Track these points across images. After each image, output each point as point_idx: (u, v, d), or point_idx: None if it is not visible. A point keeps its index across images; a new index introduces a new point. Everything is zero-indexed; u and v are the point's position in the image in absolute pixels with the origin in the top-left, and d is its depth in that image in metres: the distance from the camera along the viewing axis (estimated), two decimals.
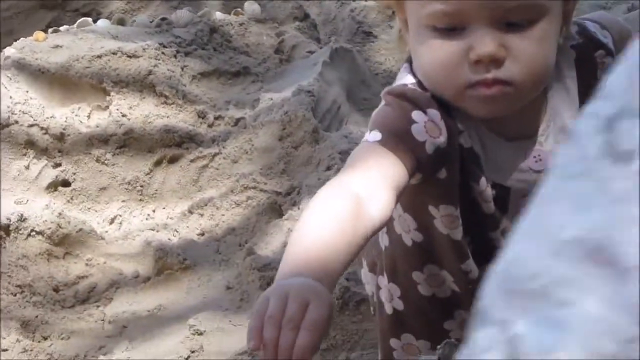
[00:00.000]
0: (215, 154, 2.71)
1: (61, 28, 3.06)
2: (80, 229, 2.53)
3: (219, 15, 3.35)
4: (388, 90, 1.32)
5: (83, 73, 2.83)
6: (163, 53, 2.97)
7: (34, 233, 2.48)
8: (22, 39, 2.94)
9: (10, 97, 2.68)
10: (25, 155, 2.67)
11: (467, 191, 1.32)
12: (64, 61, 2.83)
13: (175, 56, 3.00)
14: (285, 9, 3.46)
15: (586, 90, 1.32)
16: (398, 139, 1.24)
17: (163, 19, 3.22)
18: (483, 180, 1.31)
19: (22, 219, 2.48)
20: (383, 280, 1.47)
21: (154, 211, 2.68)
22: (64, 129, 2.73)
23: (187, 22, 3.20)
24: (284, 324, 1.02)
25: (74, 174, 2.70)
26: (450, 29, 1.22)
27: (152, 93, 2.85)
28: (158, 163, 2.75)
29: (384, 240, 1.44)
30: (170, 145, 2.77)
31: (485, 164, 1.31)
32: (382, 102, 1.31)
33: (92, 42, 2.93)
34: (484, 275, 1.30)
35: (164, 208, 2.69)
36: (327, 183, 1.28)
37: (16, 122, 2.67)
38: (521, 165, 1.31)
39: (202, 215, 2.59)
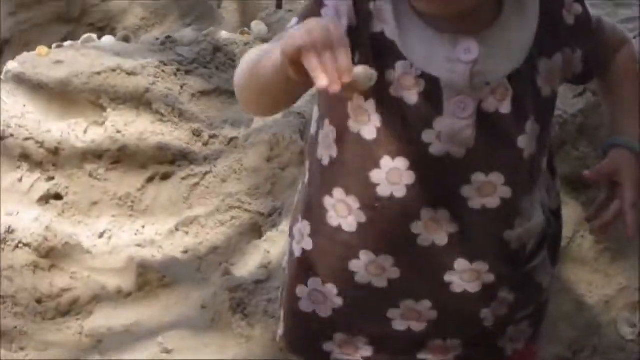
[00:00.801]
0: (207, 173, 2.74)
1: (65, 43, 3.12)
2: (67, 242, 2.57)
3: (224, 34, 3.38)
4: None
5: (82, 89, 2.88)
6: (163, 71, 3.00)
7: (21, 245, 2.53)
8: (25, 53, 3.00)
9: (7, 111, 2.73)
10: (19, 167, 2.72)
11: (383, 80, 1.26)
12: (64, 77, 2.89)
13: (175, 74, 3.04)
14: None
15: (548, 24, 1.31)
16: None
17: (168, 37, 3.26)
18: (400, 64, 1.26)
19: (10, 230, 2.53)
20: (297, 225, 1.43)
21: (143, 227, 2.71)
22: (59, 143, 2.78)
23: (192, 40, 3.24)
24: (322, 49, 1.07)
25: (67, 187, 2.75)
26: None
27: (149, 110, 2.89)
28: (150, 179, 2.79)
29: (303, 179, 1.43)
30: (163, 163, 2.80)
31: (406, 49, 1.27)
32: None
33: (93, 59, 2.98)
34: (400, 192, 1.27)
35: (153, 224, 2.72)
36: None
37: (12, 135, 2.73)
38: (449, 55, 1.26)
39: (187, 233, 2.62)
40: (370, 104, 1.28)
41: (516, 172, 1.31)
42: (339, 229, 1.35)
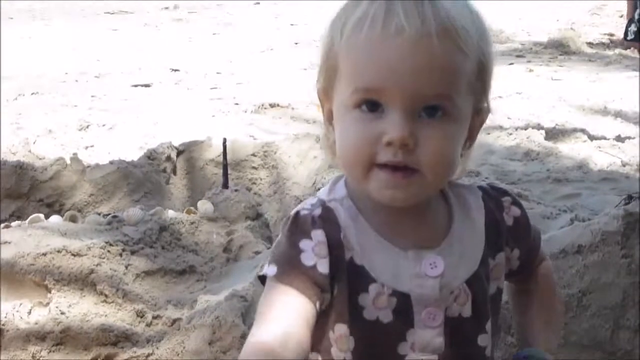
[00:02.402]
0: (149, 355, 2.75)
1: (13, 224, 3.16)
2: None
3: (171, 213, 3.46)
4: (286, 217, 1.39)
5: (27, 270, 2.91)
6: (108, 251, 3.05)
7: None
8: None
9: None
10: None
11: (357, 306, 1.34)
12: (10, 257, 2.92)
13: (120, 254, 3.09)
14: (238, 209, 3.56)
15: (492, 227, 1.40)
16: (291, 268, 1.32)
17: (114, 216, 3.33)
18: (373, 287, 1.33)
19: None
20: None
21: None
22: (3, 325, 2.79)
23: (138, 220, 3.30)
24: None
25: None
26: (371, 110, 1.28)
27: (93, 291, 2.92)
28: None
29: None
30: (106, 344, 2.81)
31: (375, 271, 1.33)
32: (280, 231, 1.39)
33: (40, 239, 3.03)
34: None
35: None
36: (246, 344, 1.30)
37: None
38: (416, 272, 1.33)
39: None
40: (351, 330, 1.35)
41: None
42: None
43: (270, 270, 1.34)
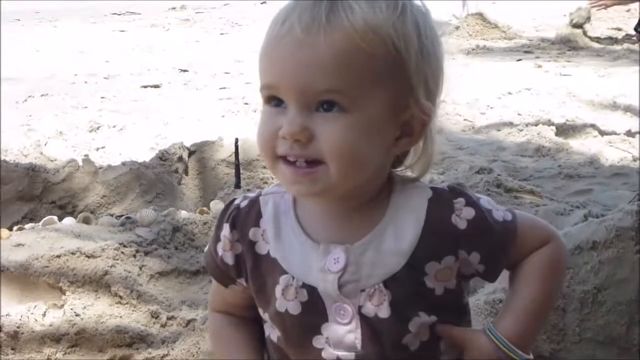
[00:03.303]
0: (164, 356, 2.75)
1: (26, 226, 3.17)
2: None
3: (184, 214, 3.46)
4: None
5: (41, 272, 2.92)
6: (122, 253, 3.06)
7: None
8: None
9: None
10: None
11: (272, 297, 1.40)
12: (24, 260, 2.93)
13: (134, 256, 3.10)
14: None
15: (435, 230, 1.37)
16: (211, 254, 1.49)
17: (127, 217, 3.34)
18: (283, 278, 1.38)
19: None
20: None
21: None
22: (18, 327, 2.79)
23: (151, 221, 3.31)
24: None
25: None
26: (277, 105, 1.32)
27: (107, 293, 2.93)
28: None
29: None
30: (121, 346, 2.81)
31: (287, 263, 1.39)
32: None
33: (54, 241, 3.03)
34: None
35: None
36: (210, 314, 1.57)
37: None
38: (321, 265, 1.36)
39: None
40: (271, 318, 1.43)
41: None
42: None
43: (207, 246, 1.51)
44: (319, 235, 1.39)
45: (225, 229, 1.45)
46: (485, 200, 1.43)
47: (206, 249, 1.52)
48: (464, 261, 1.39)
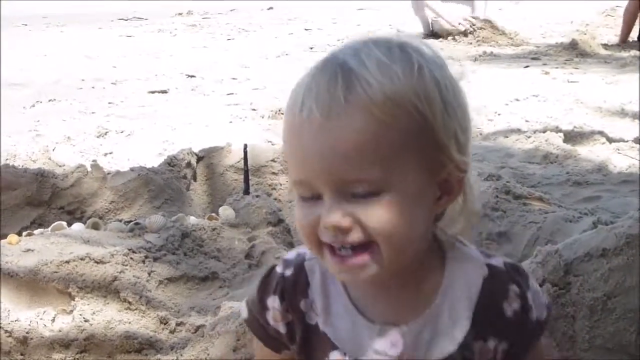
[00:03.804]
0: None
1: (35, 231, 3.17)
2: None
3: (192, 219, 3.46)
4: (267, 266, 1.52)
5: (51, 277, 2.92)
6: (131, 258, 3.07)
7: None
8: None
9: None
10: None
11: None
12: (33, 265, 2.93)
13: (143, 261, 3.10)
14: (260, 214, 3.57)
15: (487, 309, 1.36)
16: (257, 321, 1.49)
17: (136, 223, 3.34)
18: (334, 353, 1.37)
19: None
20: None
21: None
22: (27, 333, 2.79)
23: (160, 227, 3.31)
24: None
25: None
26: (310, 197, 1.29)
27: (116, 299, 2.93)
28: None
29: None
30: (130, 351, 2.81)
31: (338, 339, 1.37)
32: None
33: (63, 247, 3.04)
34: None
35: None
36: None
37: None
38: (377, 347, 1.35)
39: None
40: None
41: None
42: None
43: (242, 312, 1.54)
44: (372, 313, 1.37)
45: (275, 301, 1.43)
46: (532, 292, 1.41)
47: (244, 313, 1.52)
48: (496, 347, 1.40)
